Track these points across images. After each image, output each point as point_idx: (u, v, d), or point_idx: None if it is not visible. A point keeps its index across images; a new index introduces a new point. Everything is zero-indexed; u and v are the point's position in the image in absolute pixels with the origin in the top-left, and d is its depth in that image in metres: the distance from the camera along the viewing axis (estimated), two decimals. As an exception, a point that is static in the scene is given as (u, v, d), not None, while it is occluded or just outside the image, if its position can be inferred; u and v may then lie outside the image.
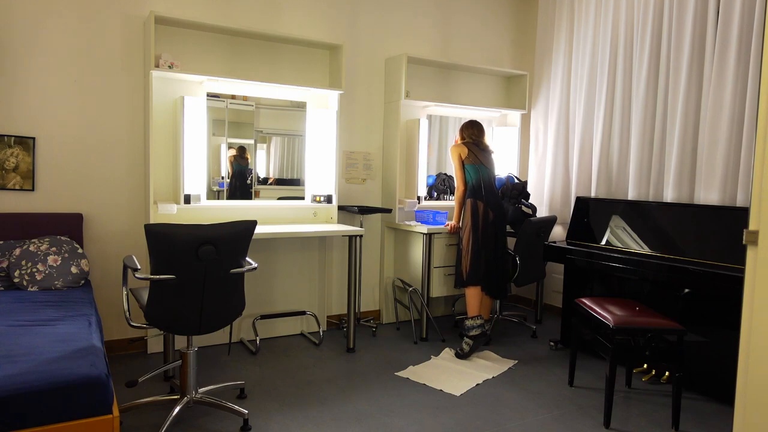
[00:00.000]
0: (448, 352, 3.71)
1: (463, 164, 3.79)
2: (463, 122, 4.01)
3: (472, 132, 3.90)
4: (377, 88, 4.34)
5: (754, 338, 1.99)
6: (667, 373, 3.21)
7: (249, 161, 3.77)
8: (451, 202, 4.58)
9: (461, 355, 3.62)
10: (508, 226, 4.22)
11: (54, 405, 1.75)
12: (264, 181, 3.84)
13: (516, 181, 4.47)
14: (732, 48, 3.30)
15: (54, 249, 2.99)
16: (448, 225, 3.96)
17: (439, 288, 4.07)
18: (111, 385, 1.87)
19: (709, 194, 3.41)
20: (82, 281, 3.04)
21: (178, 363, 2.69)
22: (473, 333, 3.60)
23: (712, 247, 3.06)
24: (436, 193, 4.53)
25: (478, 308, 3.64)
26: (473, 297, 3.65)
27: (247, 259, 2.57)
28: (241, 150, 3.73)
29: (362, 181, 4.32)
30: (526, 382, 3.24)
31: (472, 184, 3.77)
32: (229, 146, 3.68)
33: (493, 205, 3.72)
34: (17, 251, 2.94)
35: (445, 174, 4.57)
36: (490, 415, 2.77)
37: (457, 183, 3.81)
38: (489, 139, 4.47)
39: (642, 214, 3.51)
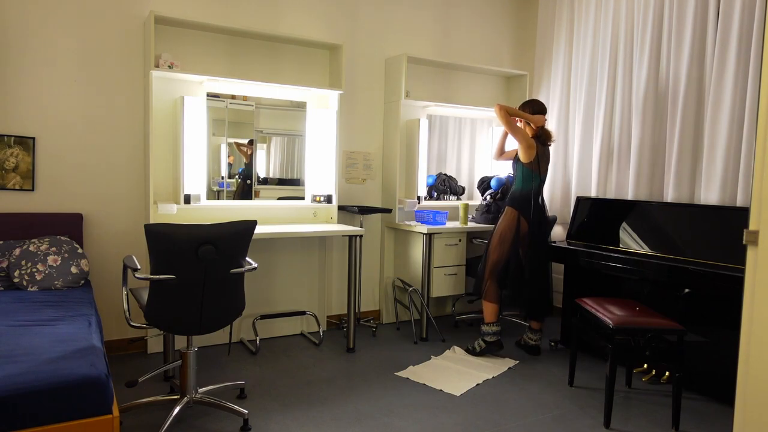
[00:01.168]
0: (456, 349, 3.72)
1: (519, 160, 3.53)
2: (530, 100, 3.65)
3: (543, 130, 3.58)
4: (377, 88, 4.34)
5: (754, 338, 1.99)
6: (667, 373, 3.21)
7: (252, 157, 3.78)
8: (451, 203, 4.58)
9: (471, 351, 3.64)
10: None
11: (54, 405, 1.75)
12: (264, 181, 3.84)
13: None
14: (732, 48, 3.30)
15: (54, 249, 2.99)
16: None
17: (439, 288, 4.07)
18: (111, 385, 1.87)
19: (709, 194, 3.41)
20: (82, 281, 3.03)
21: (178, 363, 2.69)
22: (488, 339, 3.61)
23: (712, 247, 3.06)
24: (436, 193, 4.53)
25: (494, 315, 3.61)
26: (490, 304, 3.62)
27: (247, 259, 2.57)
28: (249, 143, 3.75)
29: (362, 181, 4.32)
30: (526, 382, 3.23)
31: (521, 193, 3.54)
32: (238, 145, 3.68)
33: (536, 222, 3.51)
34: (17, 251, 2.94)
35: (445, 174, 4.57)
36: (490, 415, 2.77)
37: (518, 141, 3.50)
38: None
39: (642, 214, 3.51)
